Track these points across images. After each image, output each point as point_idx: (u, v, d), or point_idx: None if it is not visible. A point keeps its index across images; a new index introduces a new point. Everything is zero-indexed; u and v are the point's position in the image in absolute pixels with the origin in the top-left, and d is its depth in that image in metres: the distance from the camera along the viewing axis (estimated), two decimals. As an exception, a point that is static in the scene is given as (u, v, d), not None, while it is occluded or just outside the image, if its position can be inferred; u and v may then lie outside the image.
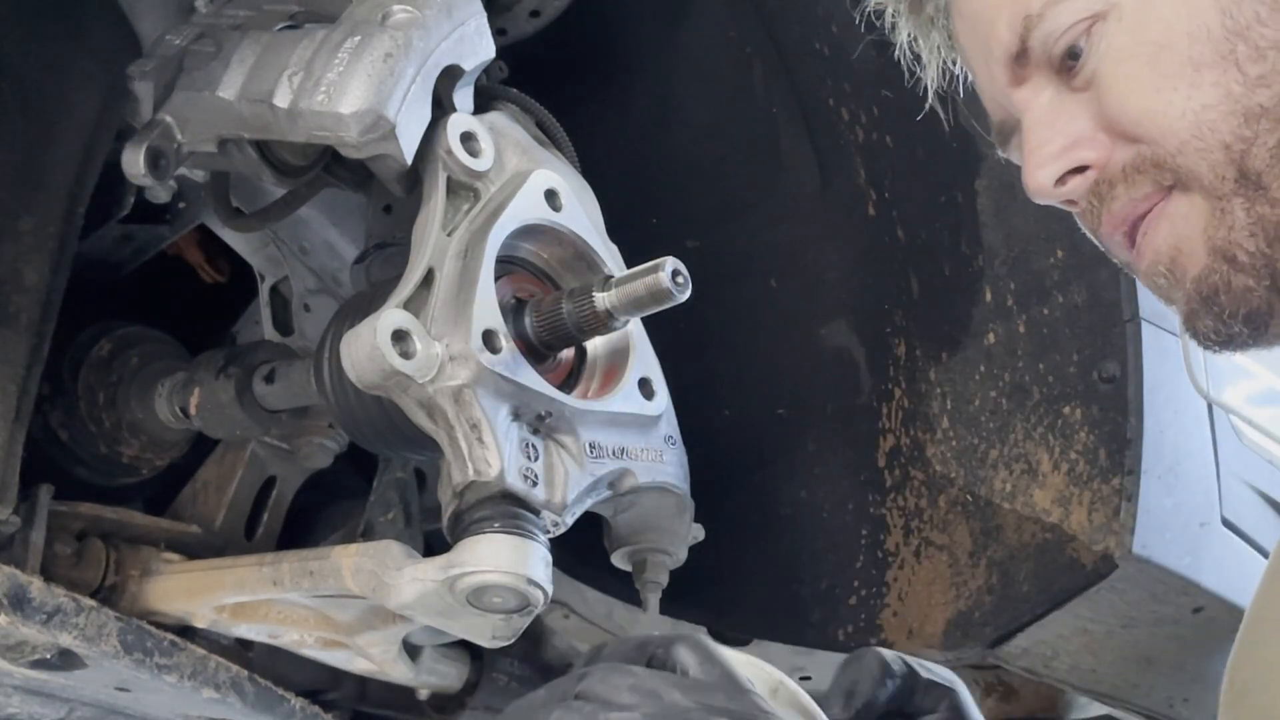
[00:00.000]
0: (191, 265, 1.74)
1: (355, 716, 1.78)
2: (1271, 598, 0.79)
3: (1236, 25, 0.83)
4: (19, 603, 1.18)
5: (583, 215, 1.22)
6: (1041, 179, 0.94)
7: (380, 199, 1.35)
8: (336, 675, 1.63)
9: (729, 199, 1.68)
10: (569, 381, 1.19)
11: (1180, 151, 0.86)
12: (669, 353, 1.24)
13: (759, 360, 1.66)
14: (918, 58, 1.07)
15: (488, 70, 1.25)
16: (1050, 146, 0.93)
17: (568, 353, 1.19)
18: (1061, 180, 0.93)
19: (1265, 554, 1.49)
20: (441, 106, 1.16)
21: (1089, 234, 0.97)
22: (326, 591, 1.23)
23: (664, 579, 1.26)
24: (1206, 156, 0.86)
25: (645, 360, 1.22)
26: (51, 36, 1.26)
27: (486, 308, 1.08)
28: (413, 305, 1.08)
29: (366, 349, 1.03)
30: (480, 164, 1.16)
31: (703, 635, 0.88)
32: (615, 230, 1.26)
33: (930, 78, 1.09)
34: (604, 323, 1.10)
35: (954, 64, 1.07)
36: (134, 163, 1.12)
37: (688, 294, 1.08)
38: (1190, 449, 1.42)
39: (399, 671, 1.44)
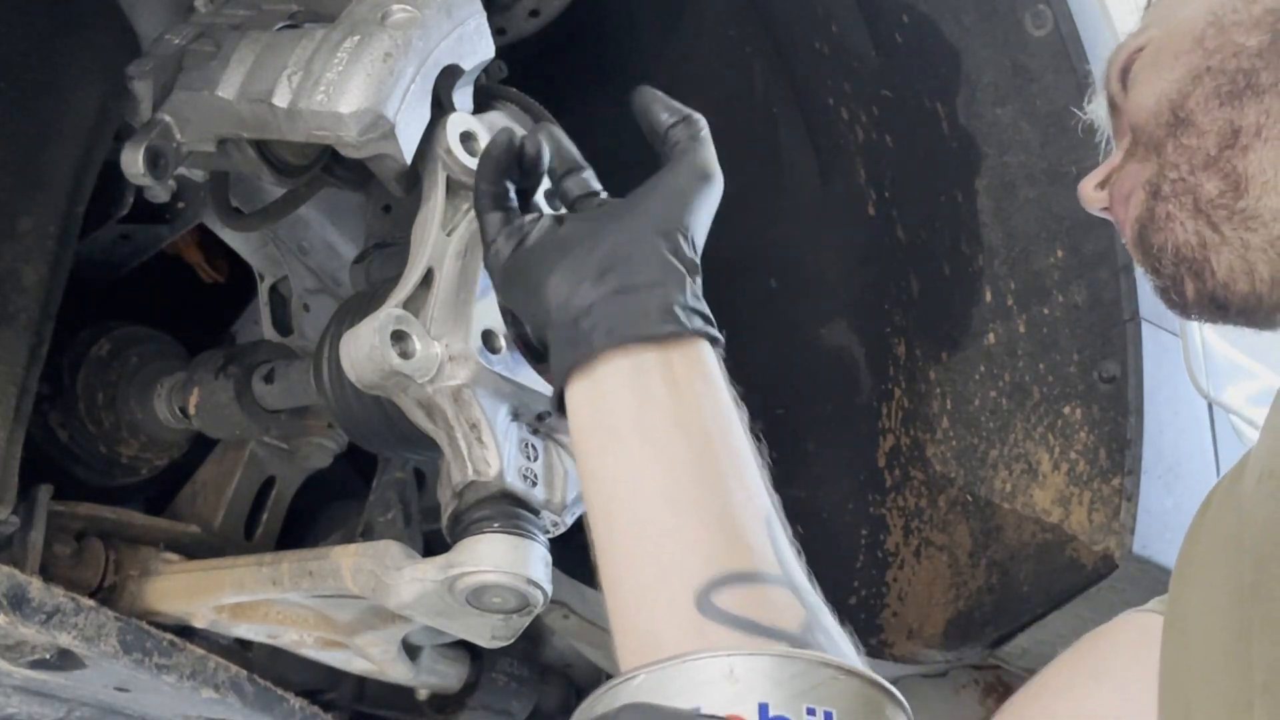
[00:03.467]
0: (191, 265, 1.74)
1: (355, 716, 1.78)
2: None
3: (1214, 17, 0.94)
4: (18, 603, 1.18)
5: (582, 215, 1.22)
6: (1081, 185, 1.05)
7: (379, 199, 1.35)
8: (336, 675, 1.63)
9: (728, 199, 1.68)
10: (569, 381, 1.19)
11: (1146, 122, 0.96)
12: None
13: (758, 360, 1.66)
14: None
15: (487, 70, 1.25)
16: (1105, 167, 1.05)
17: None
18: (1100, 186, 1.04)
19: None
20: (441, 106, 1.15)
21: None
22: (326, 591, 1.23)
23: (664, 579, 1.26)
24: (1156, 115, 0.95)
25: (645, 360, 1.22)
26: (51, 36, 1.25)
27: (486, 307, 1.08)
28: (412, 305, 1.07)
29: (366, 349, 1.03)
30: (480, 164, 1.15)
31: None
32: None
33: None
34: (604, 322, 1.10)
35: None
36: (133, 162, 1.12)
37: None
38: (1190, 449, 1.42)
39: (398, 671, 1.44)
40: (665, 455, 0.83)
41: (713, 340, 0.90)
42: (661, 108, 1.04)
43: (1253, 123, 0.90)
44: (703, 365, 0.88)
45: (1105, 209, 1.04)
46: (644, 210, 0.93)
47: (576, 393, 0.87)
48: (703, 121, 1.04)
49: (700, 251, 0.95)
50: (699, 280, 0.92)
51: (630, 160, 1.46)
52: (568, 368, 0.87)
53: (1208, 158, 0.92)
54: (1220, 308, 0.94)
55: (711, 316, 0.92)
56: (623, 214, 0.93)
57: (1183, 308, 0.96)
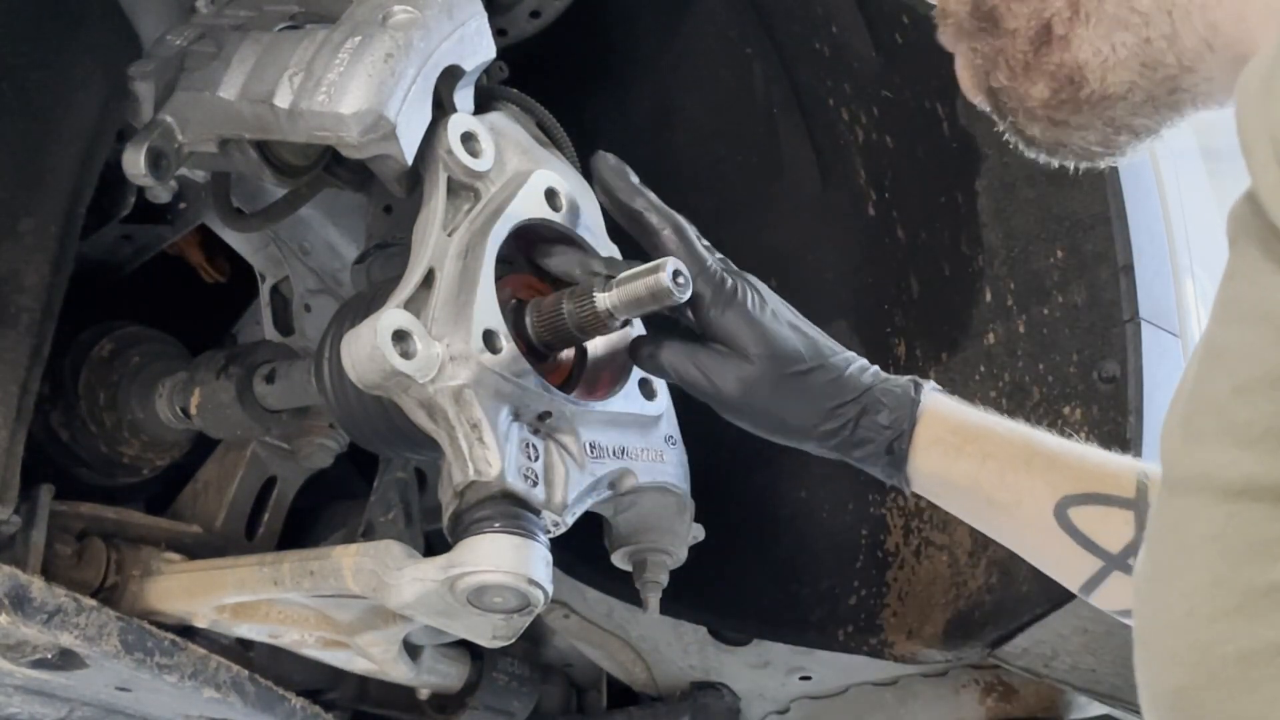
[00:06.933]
0: (192, 265, 1.74)
1: (355, 716, 1.78)
2: (1159, 546, 0.77)
3: None
4: (19, 602, 1.18)
5: (583, 215, 1.22)
6: None
7: (381, 199, 1.35)
8: (337, 675, 1.64)
9: (729, 199, 1.68)
10: (569, 381, 1.19)
11: None
12: (669, 353, 1.24)
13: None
14: None
15: (488, 70, 1.25)
16: None
17: (568, 353, 1.19)
18: None
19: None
20: (442, 107, 1.16)
21: None
22: (327, 591, 1.23)
23: (664, 579, 1.26)
24: None
25: (646, 360, 1.22)
26: (51, 36, 1.26)
27: (487, 308, 1.08)
28: (413, 305, 1.08)
29: (367, 349, 1.03)
30: (481, 164, 1.16)
31: None
32: (616, 231, 1.26)
33: None
34: (605, 323, 1.10)
35: None
36: (135, 163, 1.12)
37: (688, 294, 1.08)
38: (1190, 449, 1.41)
39: (399, 671, 1.45)
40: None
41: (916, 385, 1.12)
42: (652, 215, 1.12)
43: (1063, 6, 0.79)
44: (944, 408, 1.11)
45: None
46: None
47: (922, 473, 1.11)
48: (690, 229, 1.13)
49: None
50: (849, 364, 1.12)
51: (630, 160, 1.46)
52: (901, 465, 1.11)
53: (1025, 63, 0.83)
54: (1116, 154, 0.87)
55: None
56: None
57: (1084, 165, 0.90)
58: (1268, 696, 0.57)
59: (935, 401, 1.11)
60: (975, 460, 1.08)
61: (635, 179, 1.14)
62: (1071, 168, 1.29)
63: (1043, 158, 0.90)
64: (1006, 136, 0.91)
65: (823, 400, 1.10)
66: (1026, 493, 1.06)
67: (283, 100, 1.09)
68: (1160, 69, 0.78)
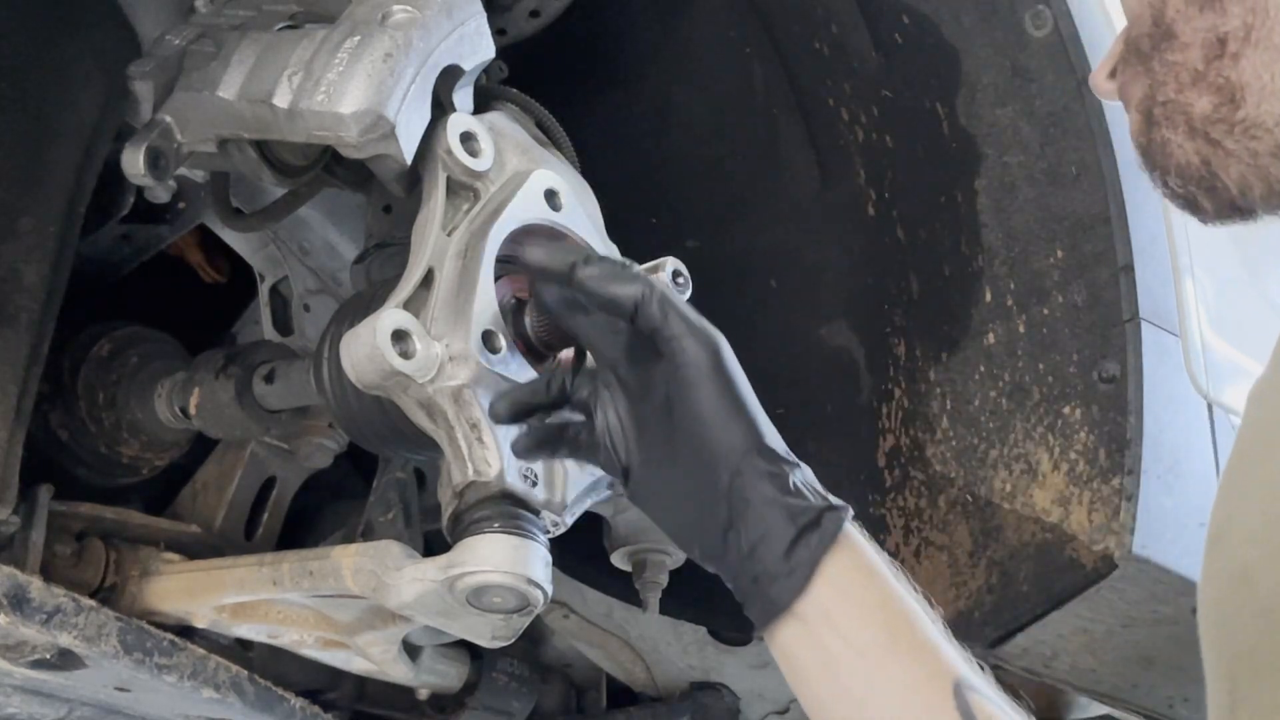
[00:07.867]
0: (191, 265, 1.74)
1: (355, 716, 1.78)
2: (1247, 448, 0.76)
3: None
4: (19, 603, 1.18)
5: (583, 215, 1.22)
6: (1093, 76, 1.00)
7: (380, 199, 1.35)
8: (336, 675, 1.64)
9: (729, 199, 1.68)
10: (569, 381, 1.19)
11: (1132, 26, 0.92)
12: (669, 353, 1.24)
13: (759, 360, 1.66)
14: None
15: (487, 70, 1.25)
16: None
17: (567, 353, 1.19)
18: (1111, 75, 0.98)
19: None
20: (441, 106, 1.16)
21: None
22: (326, 591, 1.23)
23: (664, 579, 1.26)
24: (1140, 22, 0.91)
25: (645, 360, 1.22)
26: (51, 36, 1.26)
27: (486, 308, 1.08)
28: (412, 305, 1.08)
29: (366, 349, 1.03)
30: (480, 164, 1.16)
31: None
32: (615, 230, 1.26)
33: None
34: (604, 323, 1.10)
35: None
36: (134, 163, 1.12)
37: (688, 294, 1.08)
38: (1190, 449, 1.42)
39: (399, 671, 1.44)
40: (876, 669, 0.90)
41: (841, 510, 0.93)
42: (607, 281, 0.97)
43: (1239, 25, 0.84)
44: (852, 560, 0.92)
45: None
46: (706, 451, 0.94)
47: (779, 644, 0.93)
48: (651, 281, 0.97)
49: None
50: (800, 470, 0.96)
51: (630, 160, 1.47)
52: (763, 624, 0.93)
53: (1195, 73, 0.86)
54: (1244, 212, 0.90)
55: (825, 494, 0.95)
56: (691, 463, 0.94)
57: (1206, 218, 0.92)
58: None
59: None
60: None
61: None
62: (1074, 170, 1.29)
63: (1195, 207, 0.92)
64: (1154, 179, 0.93)
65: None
66: (932, 655, 0.94)
67: (282, 100, 1.09)
68: None
